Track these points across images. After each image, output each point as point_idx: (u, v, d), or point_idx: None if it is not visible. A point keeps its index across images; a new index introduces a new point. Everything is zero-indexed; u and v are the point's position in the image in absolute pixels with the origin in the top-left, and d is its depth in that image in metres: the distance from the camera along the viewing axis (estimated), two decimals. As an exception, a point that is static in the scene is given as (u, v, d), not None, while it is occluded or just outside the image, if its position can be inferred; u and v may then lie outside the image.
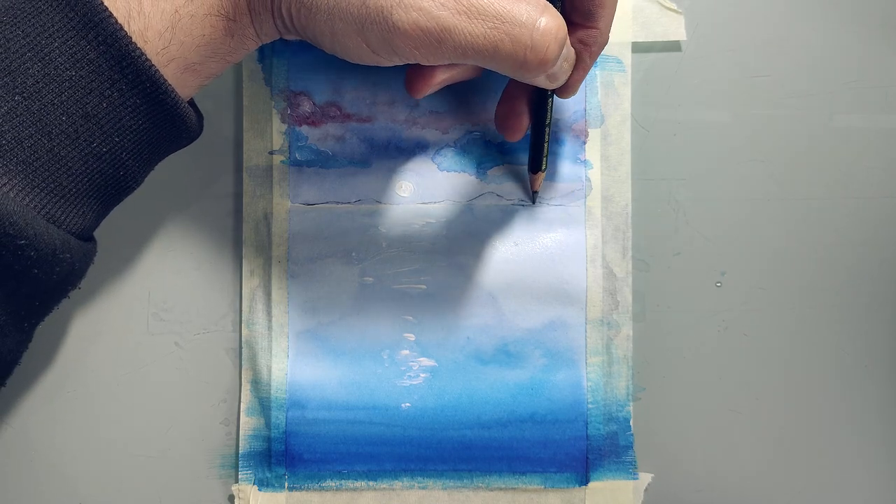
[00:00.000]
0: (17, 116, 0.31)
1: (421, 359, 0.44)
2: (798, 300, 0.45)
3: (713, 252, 0.45)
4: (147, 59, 0.32)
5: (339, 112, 0.44)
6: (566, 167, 0.44)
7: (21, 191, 0.31)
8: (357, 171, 0.44)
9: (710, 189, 0.45)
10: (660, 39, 0.44)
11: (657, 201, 0.45)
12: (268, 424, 0.44)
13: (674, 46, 0.45)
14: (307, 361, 0.44)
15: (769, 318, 0.45)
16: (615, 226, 0.44)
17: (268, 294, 0.44)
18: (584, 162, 0.44)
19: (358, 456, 0.44)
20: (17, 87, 0.31)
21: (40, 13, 0.31)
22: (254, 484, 0.44)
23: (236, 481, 0.44)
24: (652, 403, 0.45)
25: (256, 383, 0.44)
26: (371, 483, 0.44)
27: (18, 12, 0.31)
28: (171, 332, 0.44)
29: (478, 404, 0.44)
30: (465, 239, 0.44)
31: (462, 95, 0.44)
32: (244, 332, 0.44)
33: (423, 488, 0.44)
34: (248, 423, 0.44)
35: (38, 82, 0.31)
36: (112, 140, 0.33)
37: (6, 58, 0.31)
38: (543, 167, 0.42)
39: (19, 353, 0.37)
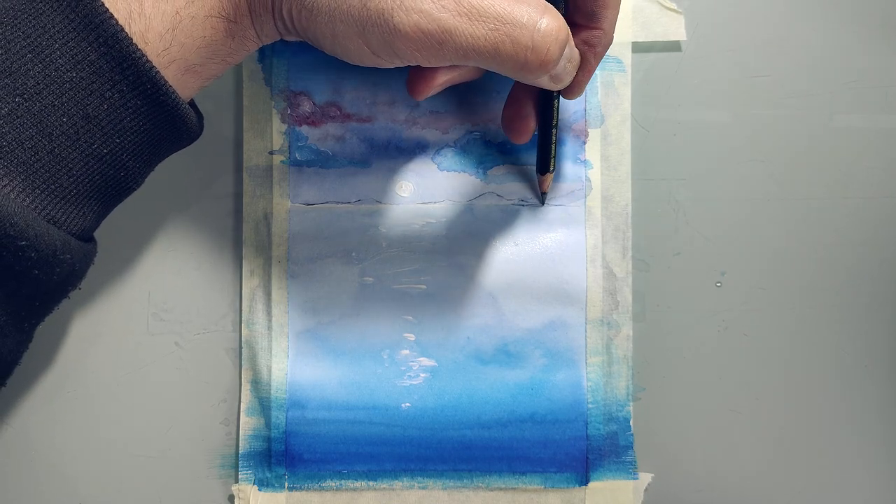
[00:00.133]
0: (17, 118, 0.31)
1: (421, 359, 0.44)
2: (798, 300, 0.45)
3: (713, 252, 0.45)
4: (148, 61, 0.32)
5: (339, 112, 0.44)
6: (566, 167, 0.44)
7: (22, 192, 0.32)
8: (357, 171, 0.44)
9: (710, 189, 0.45)
10: (660, 39, 0.44)
11: (657, 201, 0.45)
12: (268, 424, 0.44)
13: (674, 46, 0.45)
14: (307, 361, 0.44)
15: (769, 318, 0.45)
16: (615, 226, 0.44)
17: (268, 294, 0.44)
18: (584, 162, 0.44)
19: (358, 456, 0.44)
20: (18, 89, 0.31)
21: (41, 14, 0.31)
22: (254, 484, 0.44)
23: (236, 481, 0.44)
24: (652, 403, 0.45)
25: (256, 383, 0.44)
26: (371, 483, 0.44)
27: (19, 14, 0.31)
28: (171, 332, 0.44)
29: (478, 404, 0.44)
30: (465, 239, 0.44)
31: (462, 96, 0.44)
32: (244, 332, 0.44)
33: (423, 488, 0.44)
34: (248, 423, 0.44)
35: (38, 84, 0.31)
36: (113, 141, 0.33)
37: (7, 59, 0.31)
38: (552, 168, 0.42)
39: (19, 353, 0.37)
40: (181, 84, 0.35)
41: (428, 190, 0.44)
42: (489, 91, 0.44)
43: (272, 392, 0.44)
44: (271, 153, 0.44)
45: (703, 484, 0.45)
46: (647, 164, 0.44)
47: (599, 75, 0.44)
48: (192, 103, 0.38)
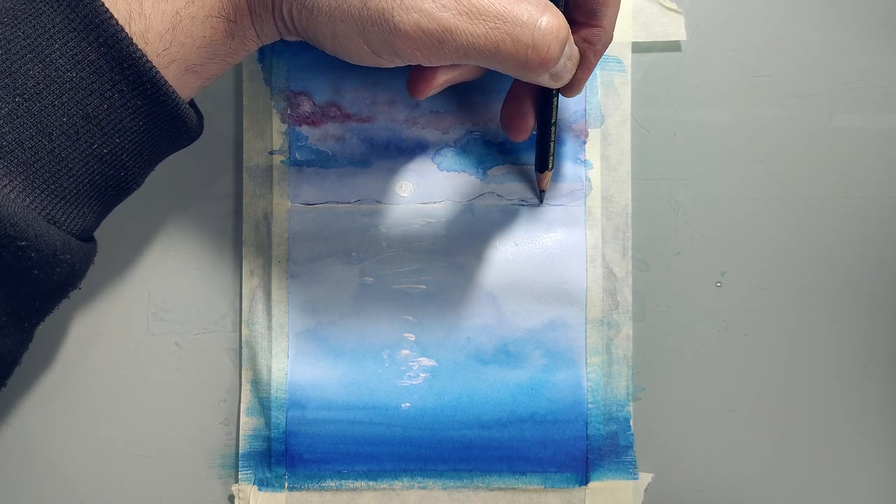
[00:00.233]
0: (17, 118, 0.31)
1: (421, 359, 0.44)
2: (798, 300, 0.45)
3: (713, 252, 0.45)
4: (148, 61, 0.32)
5: (339, 112, 0.44)
6: (566, 167, 0.44)
7: (22, 192, 0.31)
8: (357, 171, 0.44)
9: (710, 189, 0.45)
10: (660, 39, 0.44)
11: (657, 201, 0.45)
12: (268, 424, 0.44)
13: (674, 46, 0.45)
14: (307, 361, 0.44)
15: (769, 318, 0.45)
16: (615, 226, 0.44)
17: (268, 294, 0.44)
18: (584, 162, 0.44)
19: (358, 456, 0.44)
20: (18, 89, 0.31)
21: (41, 15, 0.31)
22: (254, 484, 0.44)
23: (236, 481, 0.44)
24: (652, 403, 0.45)
25: (256, 383, 0.44)
26: (371, 483, 0.44)
27: (19, 14, 0.31)
28: (171, 332, 0.44)
29: (478, 404, 0.44)
30: (465, 239, 0.44)
31: (462, 95, 0.44)
32: (244, 332, 0.44)
33: (423, 488, 0.44)
34: (248, 423, 0.44)
35: (38, 84, 0.31)
36: (113, 141, 0.33)
37: (7, 59, 0.31)
38: (550, 166, 0.42)
39: (20, 353, 0.37)
40: (181, 84, 0.35)
41: (428, 190, 0.44)
42: (489, 91, 0.44)
43: (272, 392, 0.44)
44: (271, 153, 0.44)
45: (703, 484, 0.45)
46: (647, 164, 0.44)
47: (599, 75, 0.44)
48: (192, 103, 0.38)
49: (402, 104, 0.44)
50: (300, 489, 0.44)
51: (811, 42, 0.44)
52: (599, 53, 0.38)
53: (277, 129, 0.44)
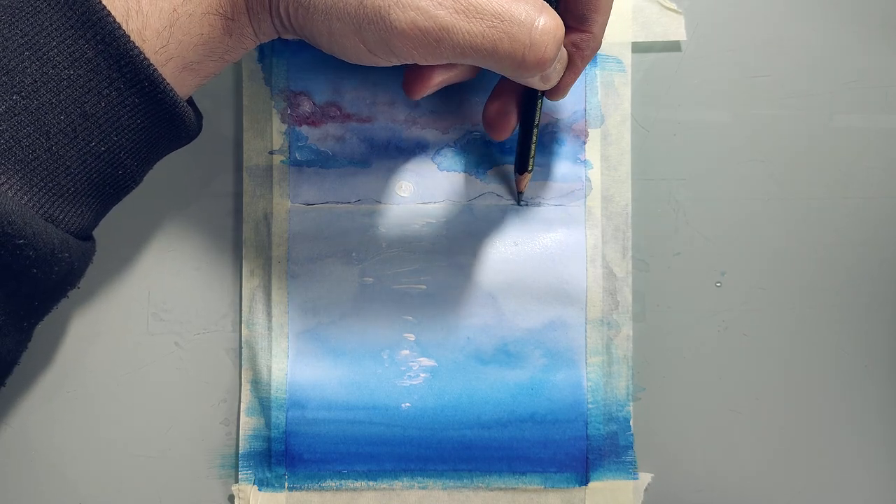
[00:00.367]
0: (15, 115, 0.31)
1: (421, 359, 0.44)
2: (798, 300, 0.45)
3: (713, 252, 0.45)
4: (145, 58, 0.32)
5: (339, 112, 0.44)
6: (566, 167, 0.44)
7: (19, 190, 0.31)
8: (357, 171, 0.44)
9: (710, 189, 0.44)
10: (660, 39, 0.44)
11: (657, 201, 0.45)
12: (268, 424, 0.44)
13: (674, 46, 0.45)
14: (307, 361, 0.44)
15: (769, 318, 0.45)
16: (615, 226, 0.44)
17: (268, 294, 0.44)
18: (584, 162, 0.44)
19: (358, 456, 0.44)
20: (15, 86, 0.31)
21: (38, 12, 0.31)
22: (254, 484, 0.44)
23: (236, 481, 0.44)
24: (652, 403, 0.45)
25: (256, 383, 0.44)
26: (371, 483, 0.44)
27: (16, 11, 0.31)
28: (171, 332, 0.44)
29: (478, 404, 0.44)
30: (464, 239, 0.44)
31: (462, 95, 0.44)
32: (244, 332, 0.44)
33: (423, 488, 0.44)
34: (248, 423, 0.44)
35: (36, 81, 0.31)
36: (110, 139, 0.33)
37: (4, 57, 0.31)
38: (530, 168, 0.42)
39: (19, 353, 0.37)
40: (179, 82, 0.35)
41: (428, 190, 0.44)
42: (489, 91, 0.44)
43: (272, 392, 0.44)
44: (271, 153, 0.44)
45: (703, 484, 0.45)
46: (647, 164, 0.44)
47: (599, 75, 0.44)
48: (190, 102, 0.38)
49: (402, 104, 0.44)
50: (300, 489, 0.44)
51: (811, 42, 0.44)
52: (587, 59, 0.38)
53: (277, 129, 0.44)
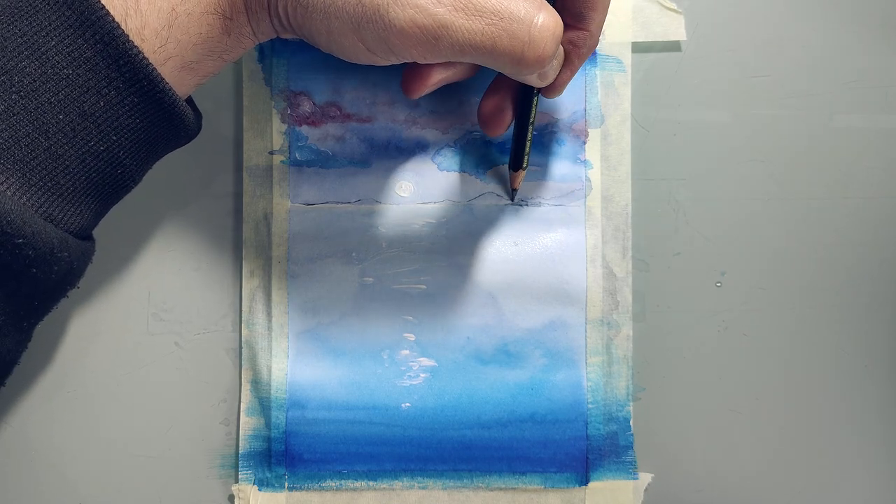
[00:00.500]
0: (14, 115, 0.31)
1: (421, 359, 0.44)
2: (798, 300, 0.45)
3: (713, 252, 0.45)
4: (144, 58, 0.32)
5: (339, 112, 0.44)
6: (566, 167, 0.44)
7: (18, 189, 0.31)
8: (357, 171, 0.44)
9: (710, 189, 0.44)
10: (660, 39, 0.44)
11: (657, 201, 0.45)
12: (268, 424, 0.44)
13: (674, 46, 0.45)
14: (307, 361, 0.44)
15: (769, 318, 0.45)
16: (615, 226, 0.44)
17: (268, 294, 0.44)
18: (584, 162, 0.44)
19: (358, 456, 0.44)
20: (14, 86, 0.31)
21: (37, 11, 0.31)
22: (254, 484, 0.44)
23: (236, 481, 0.44)
24: (652, 403, 0.45)
25: (256, 383, 0.44)
26: (371, 483, 0.44)
27: (15, 10, 0.31)
28: (171, 332, 0.44)
29: (478, 404, 0.44)
30: (464, 239, 0.44)
31: (461, 95, 0.44)
32: (244, 332, 0.44)
33: (423, 488, 0.44)
34: (248, 423, 0.44)
35: (35, 81, 0.31)
36: (109, 138, 0.33)
37: (3, 56, 0.31)
38: (525, 165, 0.42)
39: (18, 352, 0.37)
40: (178, 81, 0.35)
41: (428, 190, 0.44)
42: (489, 91, 0.44)
43: (272, 392, 0.44)
44: (271, 153, 0.44)
45: (703, 484, 0.45)
46: (647, 164, 0.44)
47: (599, 75, 0.44)
48: (190, 101, 0.38)
49: (402, 104, 0.44)
50: (300, 489, 0.44)
51: (811, 42, 0.44)
52: (584, 57, 0.38)
53: (277, 129, 0.44)
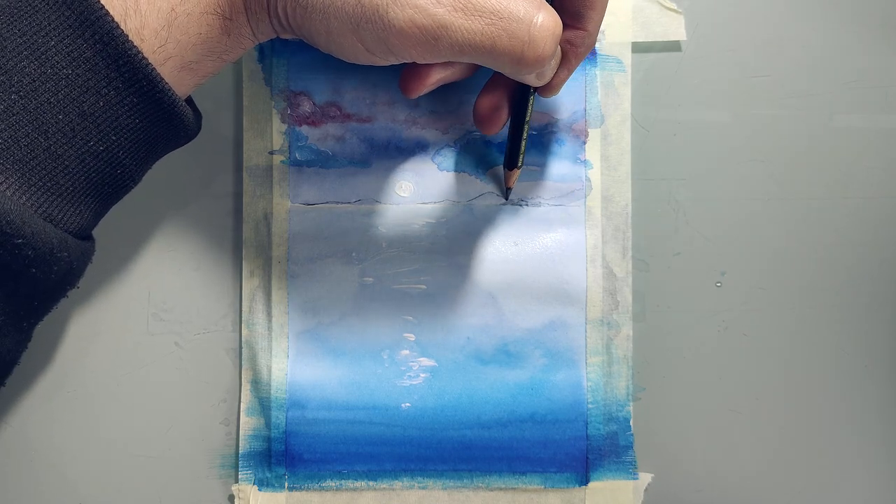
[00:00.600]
0: (13, 115, 0.31)
1: (421, 359, 0.44)
2: (798, 300, 0.45)
3: (713, 252, 0.45)
4: (144, 58, 0.32)
5: (339, 112, 0.44)
6: (566, 167, 0.44)
7: (18, 189, 0.31)
8: (357, 171, 0.44)
9: (710, 189, 0.44)
10: (660, 39, 0.44)
11: (657, 201, 0.45)
12: (268, 424, 0.44)
13: (674, 46, 0.45)
14: (307, 361, 0.44)
15: (769, 318, 0.45)
16: (615, 226, 0.44)
17: (268, 294, 0.44)
18: (584, 162, 0.44)
19: (358, 456, 0.44)
20: (14, 86, 0.31)
21: (37, 12, 0.31)
22: (254, 484, 0.44)
23: (236, 481, 0.44)
24: (652, 403, 0.45)
25: (256, 383, 0.44)
26: (371, 483, 0.44)
27: (15, 11, 0.31)
28: (171, 332, 0.44)
29: (478, 404, 0.44)
30: (464, 239, 0.44)
31: (461, 96, 0.44)
32: (244, 332, 0.44)
33: (423, 488, 0.44)
34: (248, 423, 0.44)
35: (34, 81, 0.31)
36: (109, 138, 0.33)
37: (2, 56, 0.31)
38: (519, 164, 0.42)
39: (18, 352, 0.37)
40: (177, 81, 0.35)
41: (428, 190, 0.44)
42: (488, 91, 0.44)
43: (272, 392, 0.44)
44: (271, 153, 0.44)
45: (703, 484, 0.45)
46: (647, 164, 0.44)
47: (599, 75, 0.44)
48: (190, 101, 0.38)
49: (402, 104, 0.44)
50: (300, 489, 0.44)
51: (811, 42, 0.44)
52: (581, 56, 0.38)
53: (277, 129, 0.44)
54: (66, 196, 0.33)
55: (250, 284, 0.44)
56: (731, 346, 0.45)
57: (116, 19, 0.32)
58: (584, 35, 0.37)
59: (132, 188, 0.37)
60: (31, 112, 0.31)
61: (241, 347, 0.44)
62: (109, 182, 0.35)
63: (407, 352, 0.44)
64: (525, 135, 0.41)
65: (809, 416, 0.44)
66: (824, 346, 0.44)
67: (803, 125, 0.44)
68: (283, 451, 0.44)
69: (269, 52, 0.44)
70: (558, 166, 0.44)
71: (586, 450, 0.44)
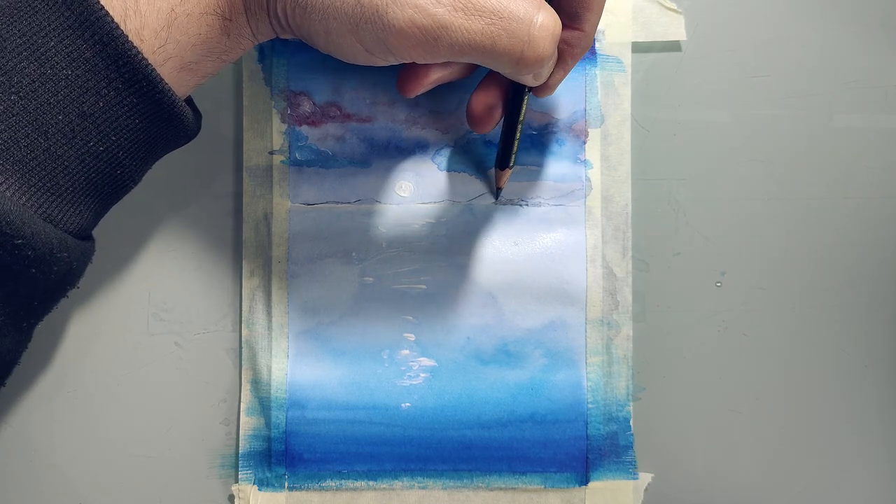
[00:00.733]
0: (13, 115, 0.31)
1: (421, 359, 0.44)
2: (798, 300, 0.45)
3: (713, 252, 0.45)
4: (143, 58, 0.32)
5: (339, 112, 0.44)
6: (566, 167, 0.44)
7: (17, 190, 0.32)
8: (357, 171, 0.44)
9: (710, 189, 0.44)
10: (660, 39, 0.44)
11: (657, 201, 0.45)
12: (268, 424, 0.44)
13: (674, 46, 0.45)
14: (307, 361, 0.44)
15: (769, 318, 0.45)
16: (615, 226, 0.44)
17: (268, 294, 0.44)
18: (584, 162, 0.44)
19: (358, 456, 0.44)
20: (14, 86, 0.31)
21: (36, 12, 0.31)
22: (254, 484, 0.44)
23: (236, 481, 0.44)
24: (652, 403, 0.45)
25: (256, 383, 0.44)
26: (371, 483, 0.44)
27: (15, 11, 0.31)
28: (171, 332, 0.44)
29: (478, 404, 0.44)
30: (464, 239, 0.44)
31: (461, 96, 0.44)
32: (244, 332, 0.44)
33: (423, 488, 0.44)
34: (248, 423, 0.44)
35: (34, 81, 0.31)
36: (109, 139, 0.33)
37: (2, 57, 0.31)
38: (511, 164, 0.42)
39: (18, 353, 0.37)
40: (177, 81, 0.35)
41: (428, 190, 0.44)
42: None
43: (272, 392, 0.44)
44: (271, 153, 0.44)
45: (703, 484, 0.45)
46: (647, 164, 0.44)
47: (599, 75, 0.44)
48: (190, 102, 0.38)
49: (402, 104, 0.44)
50: (300, 489, 0.44)
51: (811, 42, 0.44)
52: (577, 57, 0.38)
53: (277, 129, 0.44)
54: (66, 196, 0.33)
55: (250, 284, 0.44)
56: (731, 346, 0.45)
57: (116, 20, 0.32)
58: (580, 35, 0.37)
59: (132, 188, 0.37)
60: (30, 112, 0.31)
61: (241, 347, 0.44)
62: (109, 182, 0.35)
63: (407, 352, 0.44)
64: (518, 135, 0.41)
65: (809, 416, 0.44)
66: (824, 346, 0.44)
67: (803, 125, 0.44)
68: (283, 451, 0.44)
69: (269, 52, 0.44)
70: (558, 166, 0.44)
71: (586, 450, 0.44)
